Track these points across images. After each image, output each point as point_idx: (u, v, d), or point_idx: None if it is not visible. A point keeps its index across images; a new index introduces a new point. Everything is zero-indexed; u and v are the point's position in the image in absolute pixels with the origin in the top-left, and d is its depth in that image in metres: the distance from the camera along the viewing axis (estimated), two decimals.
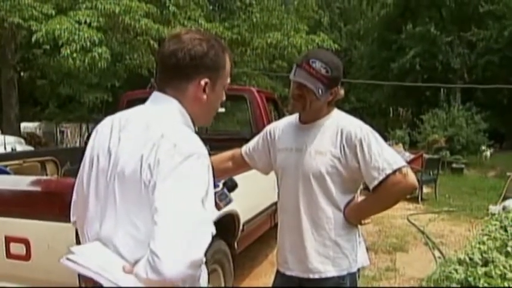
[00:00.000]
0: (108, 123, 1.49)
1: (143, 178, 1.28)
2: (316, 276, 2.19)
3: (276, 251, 2.41)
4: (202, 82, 1.45)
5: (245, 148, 2.53)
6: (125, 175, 1.32)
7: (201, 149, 1.35)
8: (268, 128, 2.48)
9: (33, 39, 12.36)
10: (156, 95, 1.49)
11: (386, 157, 2.10)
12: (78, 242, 2.46)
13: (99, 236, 1.38)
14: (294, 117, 2.38)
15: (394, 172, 2.07)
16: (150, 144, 1.30)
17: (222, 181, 1.77)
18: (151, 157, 1.28)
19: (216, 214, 1.70)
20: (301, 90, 2.14)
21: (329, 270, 2.18)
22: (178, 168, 1.26)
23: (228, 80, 1.58)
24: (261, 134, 2.49)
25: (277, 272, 2.36)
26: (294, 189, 2.22)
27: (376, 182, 2.08)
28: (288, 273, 2.27)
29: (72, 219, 1.60)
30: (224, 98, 1.60)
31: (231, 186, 1.82)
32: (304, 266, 2.21)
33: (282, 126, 2.41)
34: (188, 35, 1.46)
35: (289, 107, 2.36)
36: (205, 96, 1.47)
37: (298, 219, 2.20)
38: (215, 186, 1.71)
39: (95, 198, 1.42)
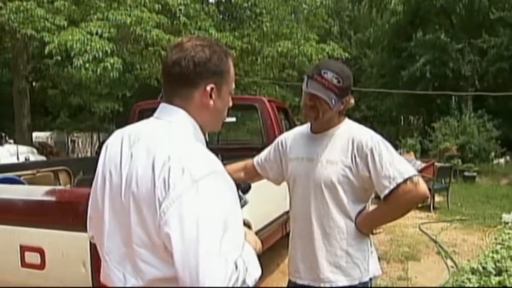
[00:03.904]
0: (117, 138, 1.48)
1: (157, 195, 1.26)
2: (327, 285, 2.19)
3: (288, 260, 2.41)
4: (208, 88, 1.44)
5: (257, 158, 2.55)
6: (140, 195, 1.31)
7: (214, 166, 1.31)
8: (279, 138, 2.51)
9: (45, 51, 12.50)
10: (163, 107, 1.48)
11: (397, 166, 2.10)
12: (92, 251, 2.50)
13: (119, 252, 1.38)
14: (305, 127, 2.40)
15: (405, 181, 2.07)
16: (160, 162, 1.28)
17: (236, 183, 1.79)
18: (162, 175, 1.26)
19: None
20: (314, 101, 2.16)
21: (340, 280, 2.18)
22: (189, 195, 1.23)
23: (233, 85, 1.56)
24: (273, 144, 2.52)
25: (289, 281, 2.37)
26: (305, 199, 2.24)
27: (387, 191, 2.08)
28: (299, 282, 2.28)
29: (89, 234, 1.60)
30: (231, 104, 1.58)
31: (245, 188, 1.83)
32: (315, 275, 2.21)
33: (293, 136, 2.44)
34: (190, 43, 1.45)
35: (302, 116, 2.36)
36: (212, 102, 1.46)
37: (310, 229, 2.21)
38: None
39: (112, 216, 1.41)
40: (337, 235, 2.17)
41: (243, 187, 1.80)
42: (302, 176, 2.26)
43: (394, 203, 2.12)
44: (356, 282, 2.19)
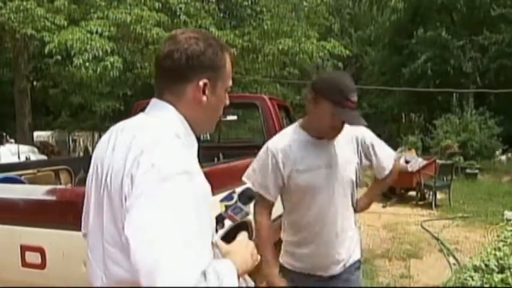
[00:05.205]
0: (107, 134, 1.43)
1: (124, 191, 1.20)
2: (341, 270, 2.44)
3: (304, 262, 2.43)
4: (201, 83, 1.35)
5: (270, 197, 2.39)
6: (112, 190, 1.26)
7: (187, 166, 1.21)
8: (269, 157, 2.33)
9: (46, 50, 12.49)
10: (153, 102, 1.41)
11: (388, 151, 2.55)
12: None
13: (100, 251, 1.32)
14: (297, 134, 2.35)
15: (395, 160, 2.57)
16: (131, 157, 1.22)
17: (238, 192, 1.73)
18: (131, 170, 1.20)
19: (228, 224, 1.66)
20: (343, 124, 2.24)
21: (352, 258, 2.47)
22: (155, 193, 1.15)
23: (230, 82, 1.47)
24: (266, 168, 2.34)
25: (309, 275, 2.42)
26: (331, 203, 2.31)
27: (387, 172, 2.53)
28: (319, 273, 2.42)
29: (82, 231, 1.55)
30: (228, 102, 1.48)
31: (248, 197, 1.76)
32: (338, 265, 2.41)
33: (290, 148, 2.32)
34: (184, 35, 1.38)
35: (325, 134, 2.29)
36: (205, 98, 1.37)
37: (335, 227, 2.35)
38: (230, 198, 1.68)
39: (95, 212, 1.36)
40: (350, 223, 2.46)
41: (244, 197, 1.74)
42: (323, 183, 2.29)
43: (390, 179, 2.62)
44: (359, 257, 2.54)
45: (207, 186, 1.28)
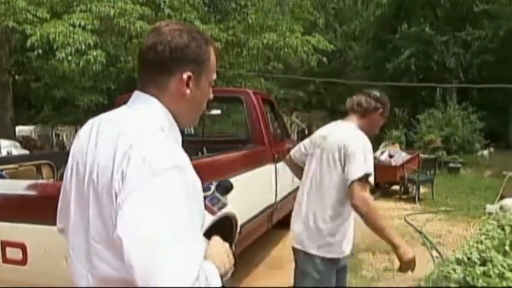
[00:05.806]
0: (87, 127, 1.41)
1: (114, 187, 1.17)
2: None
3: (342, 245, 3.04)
4: (185, 76, 1.33)
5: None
6: (100, 186, 1.23)
7: (178, 160, 1.20)
8: (369, 150, 2.79)
9: (28, 43, 12.31)
10: (136, 95, 1.39)
11: None
12: None
13: (83, 248, 1.30)
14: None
15: None
16: (121, 152, 1.19)
17: (215, 183, 1.71)
18: (121, 166, 1.17)
19: (211, 217, 1.63)
20: None
21: None
22: (146, 188, 1.14)
23: (215, 76, 1.45)
24: (370, 159, 2.79)
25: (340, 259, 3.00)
26: None
27: None
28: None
29: (58, 226, 1.51)
30: (212, 96, 1.46)
31: (225, 188, 1.74)
32: None
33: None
34: (168, 27, 1.36)
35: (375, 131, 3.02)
36: (188, 91, 1.35)
37: None
38: (208, 189, 1.66)
39: (76, 208, 1.33)
40: None
41: (222, 187, 1.72)
42: None
43: None
44: None
45: (197, 179, 1.26)
